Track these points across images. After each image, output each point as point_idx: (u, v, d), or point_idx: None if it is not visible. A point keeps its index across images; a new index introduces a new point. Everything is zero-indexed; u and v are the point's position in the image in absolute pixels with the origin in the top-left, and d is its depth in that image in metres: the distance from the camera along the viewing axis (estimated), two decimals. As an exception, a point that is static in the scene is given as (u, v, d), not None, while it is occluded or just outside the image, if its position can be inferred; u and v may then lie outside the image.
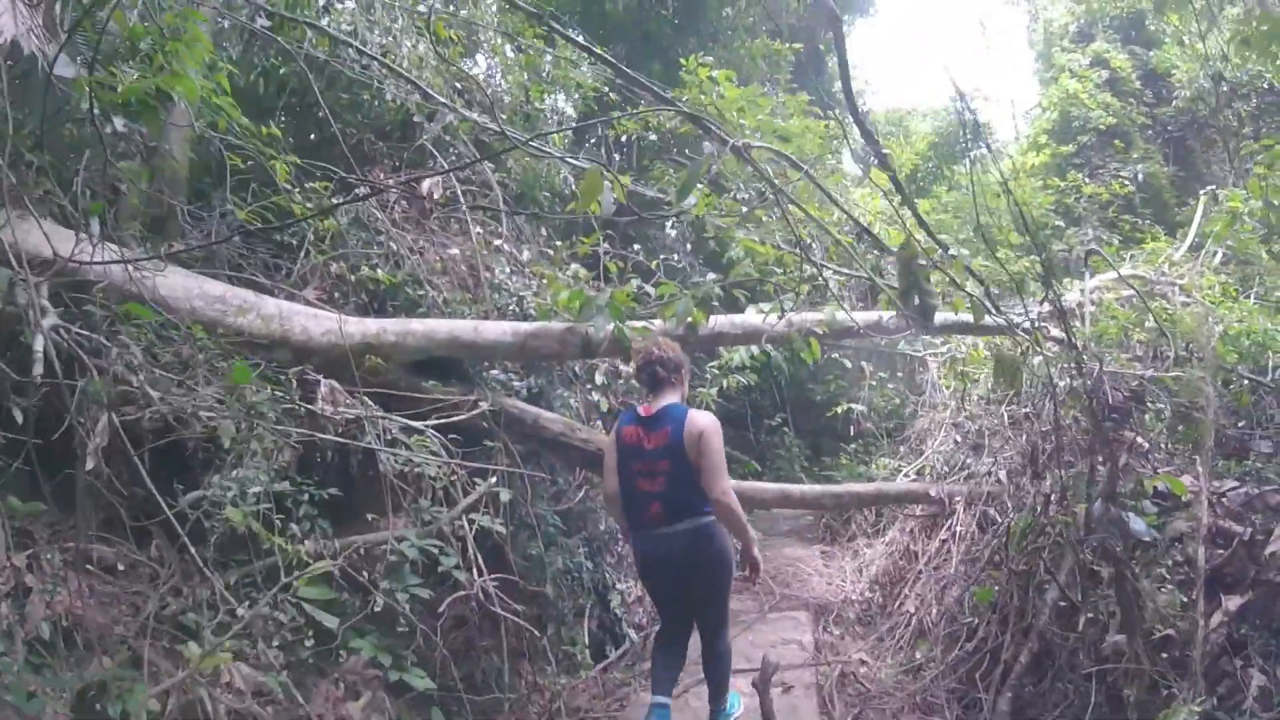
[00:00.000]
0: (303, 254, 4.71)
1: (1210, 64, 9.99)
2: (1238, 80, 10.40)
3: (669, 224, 9.52)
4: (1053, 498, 3.64)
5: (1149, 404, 4.79)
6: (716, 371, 6.30)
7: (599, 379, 5.56)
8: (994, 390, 6.07)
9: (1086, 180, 11.17)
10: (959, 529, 4.94)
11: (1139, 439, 4.01)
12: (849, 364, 7.87)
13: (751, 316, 4.65)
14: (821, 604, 5.57)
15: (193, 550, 2.82)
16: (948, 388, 6.67)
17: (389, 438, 3.66)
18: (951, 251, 2.64)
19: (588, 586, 5.29)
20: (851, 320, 4.23)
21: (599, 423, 5.79)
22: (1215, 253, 7.01)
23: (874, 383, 7.98)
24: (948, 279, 2.73)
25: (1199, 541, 3.67)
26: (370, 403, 3.73)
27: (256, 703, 2.87)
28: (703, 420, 3.21)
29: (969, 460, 5.60)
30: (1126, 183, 10.98)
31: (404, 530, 3.07)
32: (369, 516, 3.42)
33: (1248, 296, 6.70)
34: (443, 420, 3.67)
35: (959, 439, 5.94)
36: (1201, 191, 7.88)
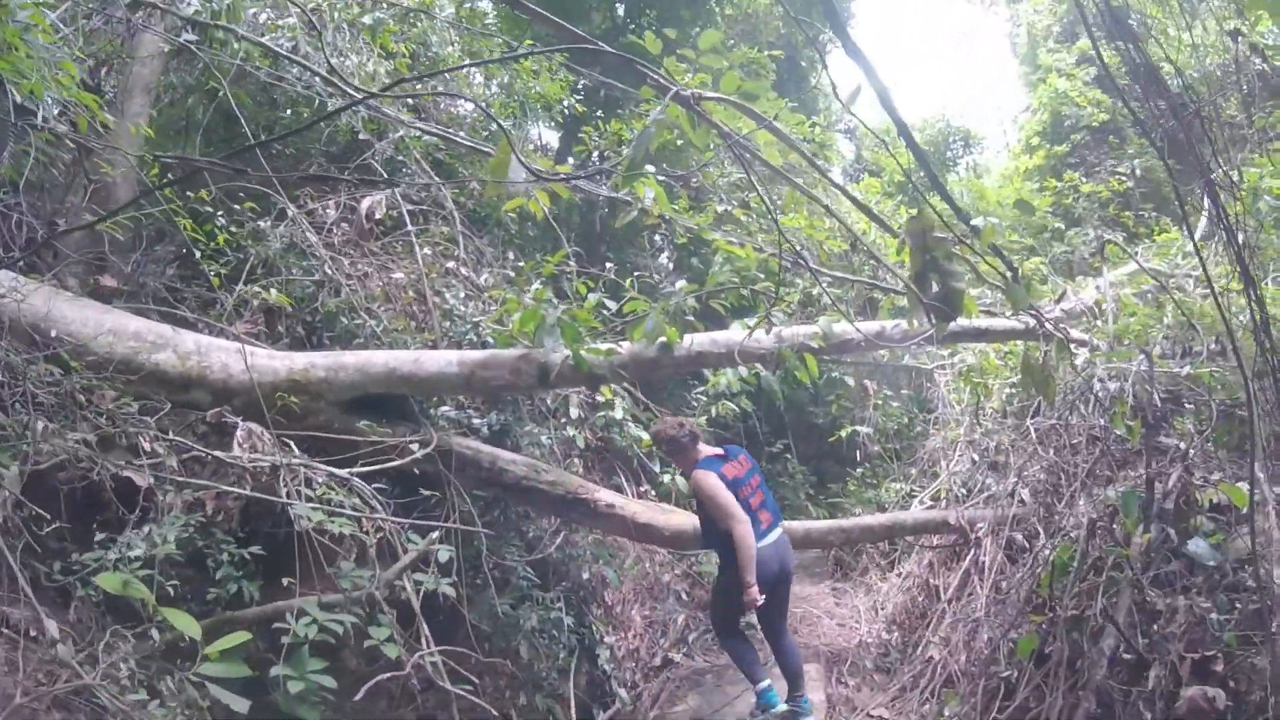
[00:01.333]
0: (239, 285, 4.27)
1: (1200, 52, 9.63)
2: (1227, 64, 10.01)
3: (652, 245, 9.04)
4: (1099, 524, 3.08)
5: (1185, 405, 4.29)
6: (705, 398, 5.72)
7: (574, 412, 4.99)
8: (1010, 402, 5.54)
9: (1083, 179, 10.77)
10: (984, 559, 4.37)
11: (1190, 448, 3.46)
12: (851, 382, 7.29)
13: (735, 333, 4.13)
14: (834, 651, 4.96)
15: (46, 625, 2.36)
16: (959, 402, 6.13)
17: (319, 488, 3.12)
18: (976, 223, 2.07)
19: (568, 644, 4.70)
20: (855, 330, 3.69)
21: (576, 461, 5.23)
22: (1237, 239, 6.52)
23: (879, 401, 7.39)
24: (972, 264, 2.17)
25: (1272, 561, 3.13)
26: (294, 447, 3.20)
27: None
28: (742, 451, 4.12)
29: (989, 481, 5.03)
30: (1124, 179, 10.55)
31: (305, 600, 2.50)
32: (284, 581, 2.86)
33: (1266, 284, 6.23)
34: (377, 466, 3.12)
35: (976, 458, 5.38)
36: (1212, 175, 7.41)
